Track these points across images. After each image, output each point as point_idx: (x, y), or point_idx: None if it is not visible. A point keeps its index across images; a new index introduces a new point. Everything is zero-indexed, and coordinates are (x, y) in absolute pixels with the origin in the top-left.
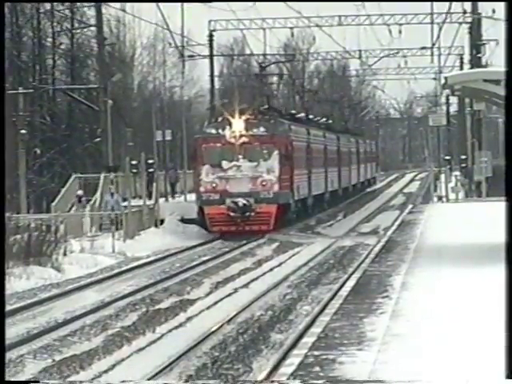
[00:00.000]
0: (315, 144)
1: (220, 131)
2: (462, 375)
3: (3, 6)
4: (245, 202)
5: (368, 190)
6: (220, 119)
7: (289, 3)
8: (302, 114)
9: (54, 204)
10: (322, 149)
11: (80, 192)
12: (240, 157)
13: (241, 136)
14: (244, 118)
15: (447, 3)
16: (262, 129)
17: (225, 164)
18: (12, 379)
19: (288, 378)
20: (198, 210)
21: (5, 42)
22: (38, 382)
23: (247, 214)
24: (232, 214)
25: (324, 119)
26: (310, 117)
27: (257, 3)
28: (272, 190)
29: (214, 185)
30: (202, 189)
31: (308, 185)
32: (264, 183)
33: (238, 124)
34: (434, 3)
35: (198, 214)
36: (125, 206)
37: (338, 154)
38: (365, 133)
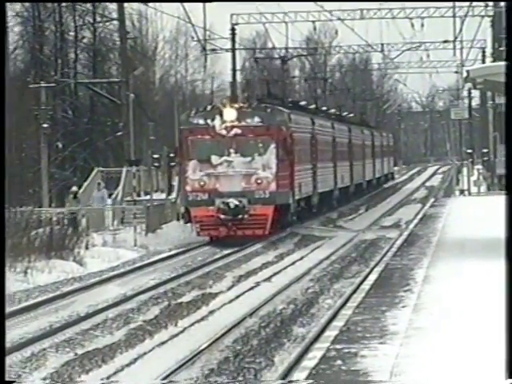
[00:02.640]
0: (322, 136)
1: (209, 122)
2: (484, 369)
3: (4, 5)
4: (237, 202)
5: (385, 186)
6: (209, 108)
7: None
8: (303, 103)
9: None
10: (331, 141)
11: (75, 188)
12: (232, 151)
13: (232, 127)
14: (236, 106)
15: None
16: (256, 119)
17: (214, 159)
18: (28, 375)
19: (310, 372)
20: (184, 212)
21: (5, 42)
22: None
23: (240, 216)
24: (222, 216)
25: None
26: (323, 108)
27: None
28: (268, 189)
29: (201, 183)
30: (188, 187)
31: (313, 181)
32: (259, 181)
33: (230, 113)
34: None
35: (184, 217)
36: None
37: (350, 147)
38: (381, 125)
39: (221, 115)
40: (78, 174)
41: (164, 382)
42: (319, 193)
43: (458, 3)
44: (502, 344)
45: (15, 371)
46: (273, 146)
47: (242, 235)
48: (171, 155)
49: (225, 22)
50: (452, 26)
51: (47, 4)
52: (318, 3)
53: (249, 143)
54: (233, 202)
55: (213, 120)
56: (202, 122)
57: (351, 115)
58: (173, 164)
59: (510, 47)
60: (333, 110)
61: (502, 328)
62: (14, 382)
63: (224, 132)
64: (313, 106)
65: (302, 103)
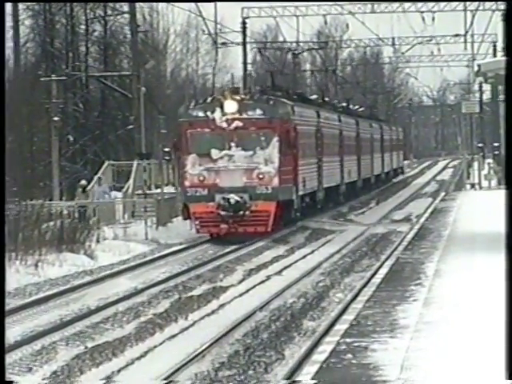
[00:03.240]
0: (327, 129)
1: (209, 114)
2: (493, 364)
3: (4, 5)
4: (238, 198)
5: (394, 180)
6: (209, 100)
7: None
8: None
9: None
10: (337, 134)
11: (84, 182)
12: (233, 144)
13: (233, 120)
14: (237, 98)
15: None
16: (258, 111)
17: (214, 153)
18: (41, 368)
19: (321, 366)
20: (183, 208)
21: (5, 42)
22: None
23: (241, 212)
24: (223, 212)
25: (344, 104)
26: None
27: None
28: (270, 185)
29: (201, 178)
30: (187, 183)
31: (318, 176)
32: (261, 176)
33: (231, 105)
34: None
35: (183, 212)
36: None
37: (358, 141)
38: (392, 119)
39: (221, 107)
40: (89, 167)
41: (165, 381)
42: (325, 188)
43: None
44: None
45: (26, 364)
46: (275, 139)
47: (243, 232)
48: (166, 150)
49: (236, 16)
50: (463, 20)
51: None
52: None
53: (250, 136)
54: (233, 197)
55: (213, 112)
56: (201, 114)
57: (360, 108)
58: (167, 158)
59: (510, 44)
60: (341, 104)
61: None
62: (13, 381)
63: (224, 125)
64: (319, 99)
65: (313, 97)
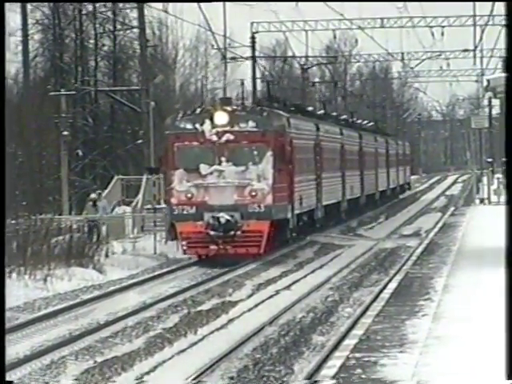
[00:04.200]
0: (328, 142)
1: (197, 126)
2: (503, 377)
3: (3, 5)
4: (229, 217)
5: (401, 196)
6: (198, 111)
7: (331, 5)
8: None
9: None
10: (338, 148)
11: (93, 195)
12: (223, 159)
13: (224, 132)
14: (228, 109)
15: (489, 5)
16: (251, 123)
17: (203, 168)
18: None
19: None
20: (169, 228)
21: (5, 42)
22: None
23: (231, 232)
24: (212, 232)
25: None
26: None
27: (299, 5)
28: (264, 203)
29: (189, 195)
30: (173, 200)
31: (316, 193)
32: (253, 193)
33: (221, 117)
34: (477, 5)
35: (170, 233)
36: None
37: (361, 155)
38: (400, 134)
39: (211, 119)
40: (98, 181)
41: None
42: (325, 205)
43: (478, 12)
44: None
45: (35, 379)
46: (269, 153)
47: (234, 254)
48: (149, 167)
49: (245, 30)
50: (472, 35)
51: (68, 12)
52: (338, 11)
53: (242, 151)
54: (224, 216)
55: (202, 124)
56: (189, 126)
57: (368, 123)
58: (148, 177)
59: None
60: (344, 116)
61: None
62: (13, 382)
63: (214, 138)
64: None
65: (321, 112)
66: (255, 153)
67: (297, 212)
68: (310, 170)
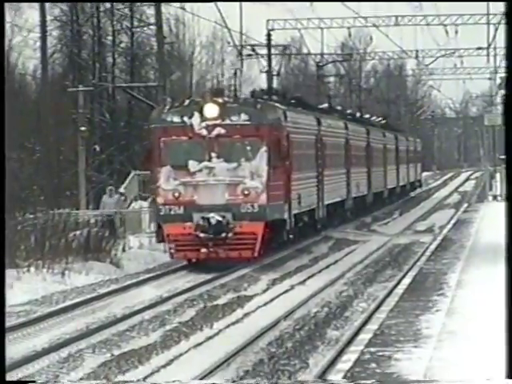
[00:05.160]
0: (330, 138)
1: (186, 119)
2: None
3: (3, 5)
4: (219, 218)
5: (412, 194)
6: (186, 102)
7: (346, 3)
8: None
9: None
10: (343, 144)
11: (111, 187)
12: (213, 155)
13: (215, 126)
14: (219, 101)
15: (503, 4)
16: (243, 116)
17: (192, 165)
18: (62, 375)
19: (345, 375)
20: (157, 229)
21: (4, 43)
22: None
23: (223, 234)
24: (202, 234)
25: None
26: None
27: (314, 3)
28: (257, 202)
29: (176, 194)
30: (160, 199)
31: (318, 192)
32: (246, 192)
33: (211, 110)
34: (491, 4)
35: (158, 235)
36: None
37: (368, 152)
38: (414, 131)
39: (200, 112)
40: (115, 176)
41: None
42: (327, 204)
43: (492, 11)
44: None
45: (53, 371)
46: (263, 149)
47: (226, 258)
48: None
49: (261, 27)
50: (486, 33)
51: (85, 9)
52: (353, 9)
53: (234, 146)
54: (214, 217)
55: (190, 117)
56: (177, 119)
57: (373, 117)
58: (138, 173)
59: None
60: (349, 111)
61: None
62: (14, 381)
63: (204, 132)
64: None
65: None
66: (248, 148)
67: (295, 212)
68: (310, 166)
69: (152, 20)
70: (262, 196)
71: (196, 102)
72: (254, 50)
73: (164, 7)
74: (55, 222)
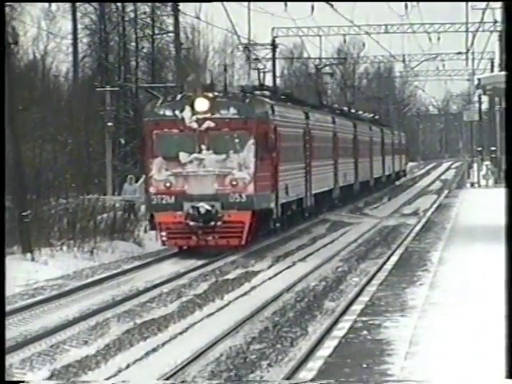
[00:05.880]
0: (318, 131)
1: (177, 113)
2: (491, 338)
3: (3, 5)
4: (209, 207)
5: (397, 183)
6: (178, 97)
7: (342, 12)
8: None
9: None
10: (331, 137)
11: (131, 176)
12: (203, 147)
13: (205, 120)
14: (209, 96)
15: (480, 14)
16: (232, 110)
17: (183, 157)
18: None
19: (340, 341)
20: (149, 218)
21: (5, 42)
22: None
23: (212, 223)
24: (192, 223)
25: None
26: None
27: (314, 13)
28: (245, 192)
29: (167, 184)
30: (152, 189)
31: (305, 182)
32: (234, 183)
33: (201, 104)
34: (469, 13)
35: (150, 222)
36: None
37: (355, 144)
38: (402, 126)
39: (191, 106)
40: (138, 166)
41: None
42: (315, 194)
43: (470, 20)
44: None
45: (82, 338)
46: (251, 141)
47: (215, 245)
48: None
49: (267, 34)
50: (465, 40)
51: (112, 18)
52: (348, 18)
53: (223, 138)
54: (204, 206)
55: (182, 111)
56: (169, 113)
57: (360, 112)
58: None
59: (510, 50)
60: (335, 106)
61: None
62: (14, 381)
63: (195, 125)
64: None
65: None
66: (236, 141)
67: (283, 201)
68: (298, 158)
69: (171, 28)
70: (249, 186)
71: (187, 97)
72: (257, 59)
73: (181, 17)
74: (85, 207)
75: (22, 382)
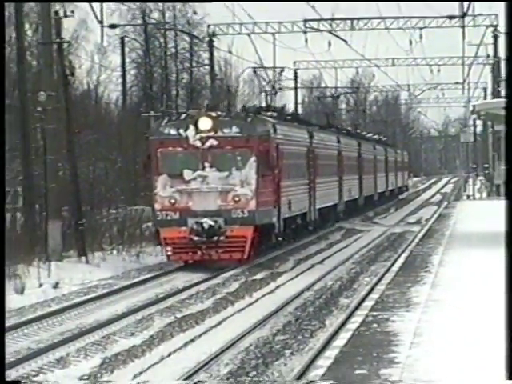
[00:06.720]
0: (322, 149)
1: (181, 132)
2: (488, 330)
3: (3, 5)
4: (212, 222)
5: (400, 197)
6: (182, 116)
7: (355, 48)
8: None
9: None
10: (335, 155)
11: None
12: (206, 165)
13: (208, 138)
14: (212, 115)
15: (475, 49)
16: (235, 129)
17: (187, 174)
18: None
19: (353, 333)
20: (155, 233)
21: (5, 42)
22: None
23: (215, 238)
24: (196, 238)
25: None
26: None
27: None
28: (247, 208)
29: (172, 200)
30: (157, 205)
31: (309, 197)
32: (237, 199)
33: (205, 123)
34: (466, 48)
35: (156, 237)
36: None
37: (359, 161)
38: (406, 146)
39: (195, 125)
40: None
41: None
42: (319, 208)
43: (466, 54)
44: (503, 308)
45: (129, 330)
46: (253, 159)
47: (218, 259)
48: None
49: (289, 67)
50: (461, 72)
51: (156, 53)
52: (360, 53)
53: (226, 156)
54: (207, 221)
55: (186, 130)
56: (173, 132)
57: (364, 133)
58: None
59: (511, 52)
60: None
61: (502, 297)
62: (14, 382)
63: (198, 143)
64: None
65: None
66: (239, 158)
67: (285, 216)
68: (301, 174)
69: (206, 61)
70: (251, 202)
71: (191, 116)
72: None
73: (216, 52)
74: (132, 216)
75: (22, 382)
